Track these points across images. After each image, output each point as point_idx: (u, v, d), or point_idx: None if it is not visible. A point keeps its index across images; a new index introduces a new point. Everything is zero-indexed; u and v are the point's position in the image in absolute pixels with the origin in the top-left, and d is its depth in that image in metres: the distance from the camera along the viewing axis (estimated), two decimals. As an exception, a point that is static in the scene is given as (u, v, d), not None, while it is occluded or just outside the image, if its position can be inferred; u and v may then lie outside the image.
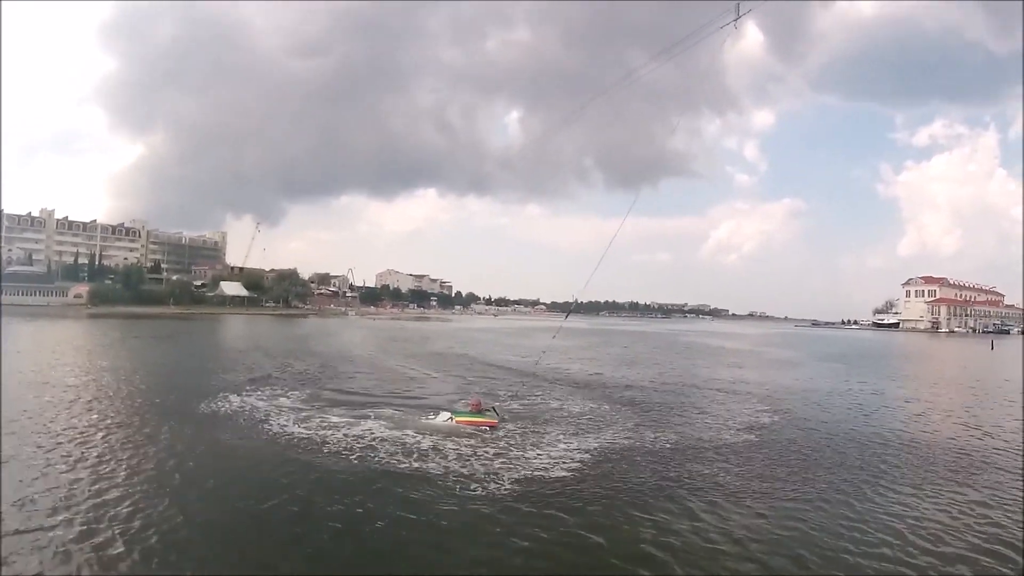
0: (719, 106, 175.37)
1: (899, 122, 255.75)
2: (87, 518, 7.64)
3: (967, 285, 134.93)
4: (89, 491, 8.56)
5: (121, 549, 6.88)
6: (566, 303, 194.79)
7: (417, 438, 12.35)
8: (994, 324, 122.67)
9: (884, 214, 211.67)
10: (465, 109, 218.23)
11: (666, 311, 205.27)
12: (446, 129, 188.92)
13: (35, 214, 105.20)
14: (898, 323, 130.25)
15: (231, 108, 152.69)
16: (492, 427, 13.57)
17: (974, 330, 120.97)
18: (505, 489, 9.32)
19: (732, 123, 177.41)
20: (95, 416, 13.51)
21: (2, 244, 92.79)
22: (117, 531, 7.31)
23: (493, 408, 14.69)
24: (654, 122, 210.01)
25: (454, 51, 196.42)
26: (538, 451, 11.74)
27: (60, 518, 7.56)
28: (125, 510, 7.94)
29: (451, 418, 13.83)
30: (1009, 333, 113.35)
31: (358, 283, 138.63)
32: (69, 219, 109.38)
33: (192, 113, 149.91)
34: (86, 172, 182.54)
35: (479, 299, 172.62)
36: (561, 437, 12.93)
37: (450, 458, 10.96)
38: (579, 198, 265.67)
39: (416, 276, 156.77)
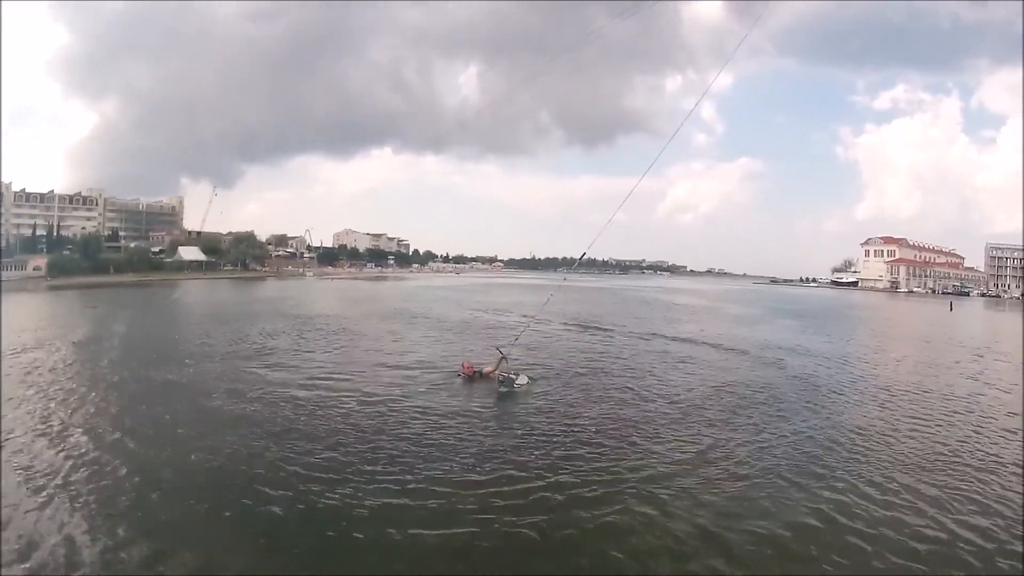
0: (679, 65, 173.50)
1: (860, 86, 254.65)
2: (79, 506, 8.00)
3: (927, 247, 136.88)
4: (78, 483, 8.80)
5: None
6: (524, 260, 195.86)
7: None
8: (953, 286, 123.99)
9: (843, 177, 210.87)
10: (422, 67, 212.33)
11: (624, 267, 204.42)
12: (402, 88, 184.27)
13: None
14: (857, 282, 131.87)
15: (185, 73, 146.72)
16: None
17: (933, 291, 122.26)
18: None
19: (691, 82, 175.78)
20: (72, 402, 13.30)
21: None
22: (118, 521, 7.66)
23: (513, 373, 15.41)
24: (614, 79, 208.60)
25: (412, 11, 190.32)
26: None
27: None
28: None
29: (529, 380, 14.99)
30: (968, 295, 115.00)
31: (315, 243, 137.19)
32: (26, 191, 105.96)
33: (146, 79, 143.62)
34: (42, 145, 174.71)
35: (437, 257, 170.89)
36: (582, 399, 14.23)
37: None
38: (536, 155, 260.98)
39: (374, 235, 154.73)
